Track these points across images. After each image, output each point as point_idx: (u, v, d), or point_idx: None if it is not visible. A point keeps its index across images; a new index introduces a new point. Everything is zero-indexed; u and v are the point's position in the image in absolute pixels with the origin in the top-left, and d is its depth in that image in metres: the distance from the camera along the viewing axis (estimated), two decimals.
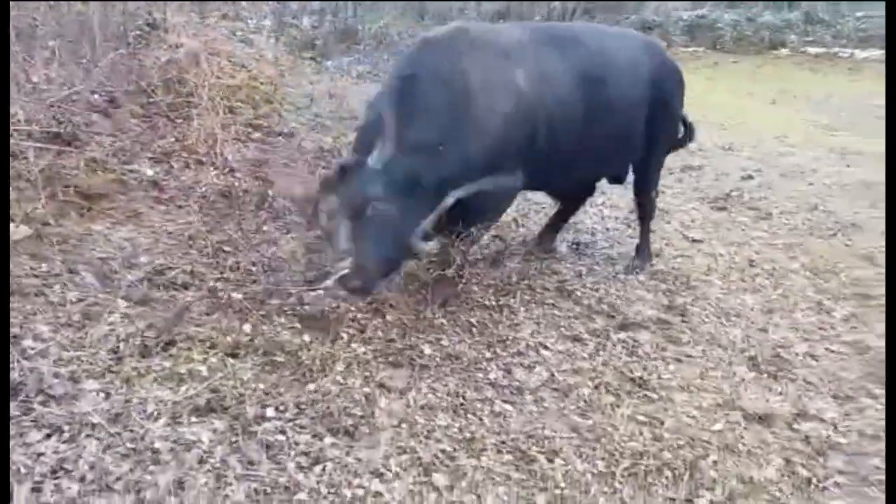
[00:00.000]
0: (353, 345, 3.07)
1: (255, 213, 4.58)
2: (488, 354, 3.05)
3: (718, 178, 6.10)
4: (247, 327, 3.03)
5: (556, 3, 17.17)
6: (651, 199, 4.24)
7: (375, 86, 10.69)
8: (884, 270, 4.17)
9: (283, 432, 2.40)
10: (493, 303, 3.55)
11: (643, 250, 4.25)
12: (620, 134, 3.69)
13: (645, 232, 4.28)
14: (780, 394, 2.88)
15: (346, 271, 2.99)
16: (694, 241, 4.64)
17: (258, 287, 3.50)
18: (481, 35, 3.39)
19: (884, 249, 4.50)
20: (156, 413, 2.36)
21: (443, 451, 2.40)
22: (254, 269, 3.68)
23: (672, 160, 5.51)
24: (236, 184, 4.89)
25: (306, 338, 3.03)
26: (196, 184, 4.71)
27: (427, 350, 3.06)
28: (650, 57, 3.83)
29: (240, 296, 3.35)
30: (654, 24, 16.18)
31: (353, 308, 3.33)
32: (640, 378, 2.98)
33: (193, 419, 2.36)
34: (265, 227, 4.35)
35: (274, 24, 13.63)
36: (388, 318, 3.31)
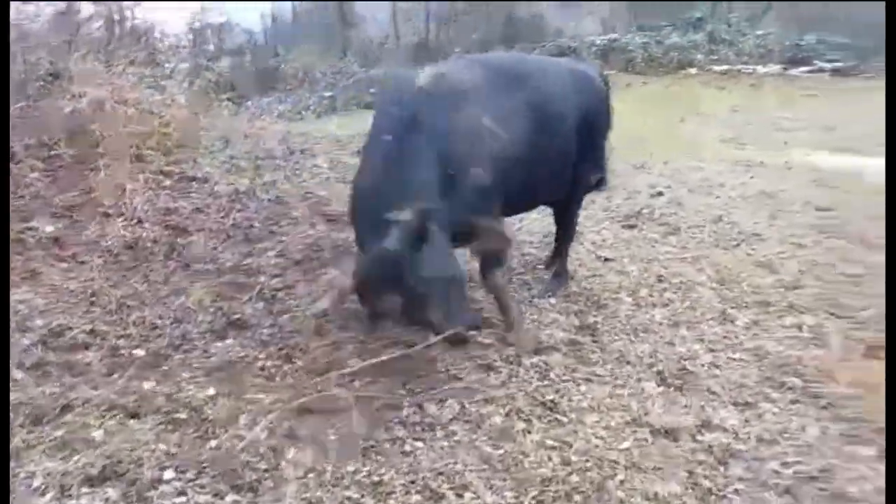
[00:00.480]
0: (262, 395, 3.00)
1: (163, 262, 4.48)
2: (402, 392, 3.03)
3: (630, 197, 6.28)
4: (148, 385, 2.93)
5: (475, 35, 17.58)
6: (574, 223, 4.39)
7: (298, 124, 10.75)
8: (782, 277, 4.38)
9: (182, 493, 2.32)
10: (409, 339, 3.54)
11: (561, 273, 4.33)
12: (563, 164, 3.87)
13: (563, 254, 4.37)
14: (686, 406, 2.95)
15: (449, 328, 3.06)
16: (605, 259, 4.75)
17: (163, 341, 3.41)
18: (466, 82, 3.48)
19: (781, 257, 4.73)
20: (43, 487, 2.24)
21: (349, 498, 2.36)
22: (159, 322, 3.58)
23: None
24: (144, 234, 4.78)
25: (211, 391, 2.96)
26: (101, 237, 4.60)
27: (339, 393, 3.02)
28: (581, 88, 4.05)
29: (143, 352, 3.25)
30: (569, 49, 16.69)
31: (261, 356, 3.27)
32: (552, 402, 3.01)
33: (84, 490, 2.27)
34: (173, 278, 4.26)
35: (191, 66, 13.50)
36: (299, 363, 3.26)
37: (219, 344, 3.43)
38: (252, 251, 4.80)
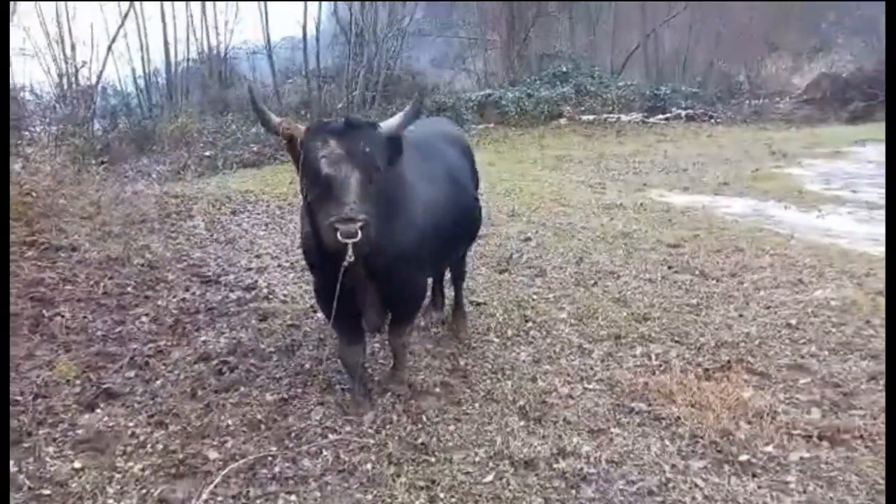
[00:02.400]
0: (131, 462, 2.99)
1: (27, 336, 4.33)
2: (274, 449, 3.10)
3: (502, 244, 6.65)
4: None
5: (356, 92, 17.96)
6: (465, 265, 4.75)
7: (176, 185, 10.56)
8: (634, 311, 4.79)
9: None
10: (284, 395, 3.62)
11: (460, 314, 4.59)
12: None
13: (460, 290, 4.65)
14: (544, 437, 3.19)
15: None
16: (477, 304, 5.02)
17: (26, 417, 3.31)
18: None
19: (635, 292, 5.18)
20: None
21: None
22: (21, 398, 3.47)
23: None
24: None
25: (77, 464, 2.91)
26: None
27: (212, 455, 3.06)
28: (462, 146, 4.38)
29: None
30: (446, 105, 17.39)
31: (130, 423, 3.25)
32: (423, 444, 3.17)
33: None
34: (38, 351, 4.13)
35: (59, 130, 12.98)
36: (171, 427, 3.26)
37: (87, 416, 3.36)
38: (125, 318, 4.72)
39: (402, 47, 19.69)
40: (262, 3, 18.81)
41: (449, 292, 4.80)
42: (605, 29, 23.29)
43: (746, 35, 21.35)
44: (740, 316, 4.65)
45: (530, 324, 4.61)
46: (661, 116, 18.39)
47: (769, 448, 3.04)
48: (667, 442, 3.15)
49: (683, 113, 18.61)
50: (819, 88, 20.09)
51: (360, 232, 2.69)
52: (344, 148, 2.76)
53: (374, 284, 3.22)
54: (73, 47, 15.87)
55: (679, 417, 3.32)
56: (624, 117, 18.03)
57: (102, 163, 11.85)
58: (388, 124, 3.02)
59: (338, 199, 2.71)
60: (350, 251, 2.73)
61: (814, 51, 24.86)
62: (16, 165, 6.94)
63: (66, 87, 15.68)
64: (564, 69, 19.45)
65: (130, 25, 17.31)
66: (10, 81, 14.50)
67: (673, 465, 2.96)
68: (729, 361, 3.94)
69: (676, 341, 4.28)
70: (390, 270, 3.18)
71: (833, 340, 4.17)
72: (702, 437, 3.15)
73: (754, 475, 2.88)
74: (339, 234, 2.68)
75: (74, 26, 16.03)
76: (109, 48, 16.22)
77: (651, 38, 22.59)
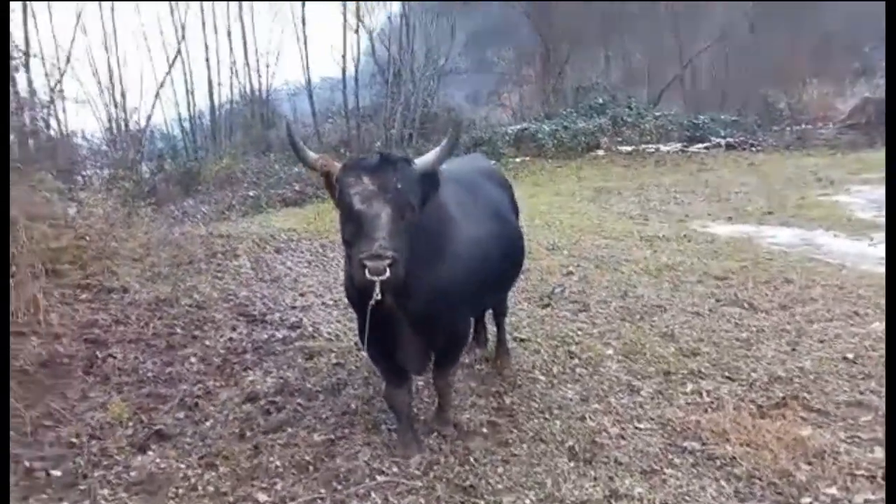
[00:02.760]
0: (186, 501, 3.02)
1: (82, 378, 4.44)
2: (323, 492, 3.10)
3: (543, 278, 6.61)
4: None
5: (394, 129, 18.27)
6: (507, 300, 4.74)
7: (221, 225, 10.81)
8: (682, 346, 4.70)
9: None
10: (331, 436, 3.62)
11: (503, 351, 4.59)
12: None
13: (503, 326, 4.65)
14: (595, 479, 3.13)
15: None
16: (521, 340, 4.98)
17: (81, 459, 3.37)
18: None
19: (682, 326, 5.08)
20: None
21: None
22: (76, 440, 3.54)
23: None
24: (61, 350, 4.74)
25: None
26: (14, 357, 4.50)
27: (262, 497, 3.07)
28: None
29: (59, 472, 3.22)
30: (483, 139, 17.53)
31: (182, 465, 3.29)
32: (471, 486, 3.13)
33: None
34: (92, 393, 4.22)
35: (110, 174, 13.46)
36: (221, 469, 3.29)
37: (140, 457, 3.41)
38: (173, 359, 4.81)
39: (438, 86, 19.99)
40: (303, 45, 19.33)
41: (491, 327, 4.78)
42: (640, 62, 23.31)
43: (787, 63, 21.09)
44: (793, 350, 4.52)
45: (576, 360, 4.55)
46: (700, 146, 18.21)
47: (832, 490, 2.93)
48: (723, 483, 3.06)
49: (723, 141, 18.39)
50: (863, 113, 19.65)
51: (388, 269, 2.65)
52: (376, 184, 2.75)
53: (415, 327, 3.19)
54: (123, 94, 16.57)
55: (734, 457, 3.23)
56: (663, 147, 17.90)
57: (150, 204, 12.23)
58: (424, 160, 3.01)
59: (368, 235, 2.69)
60: (377, 289, 2.70)
61: (856, 75, 24.43)
62: (71, 210, 7.18)
63: (115, 131, 16.30)
64: (601, 101, 19.46)
65: (176, 71, 17.98)
66: (66, 127, 15.23)
67: None
68: (784, 398, 3.83)
69: (728, 377, 4.18)
70: (431, 312, 3.15)
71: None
72: (760, 479, 3.05)
73: None
74: (367, 272, 2.66)
75: (125, 73, 16.76)
76: (157, 94, 16.86)
77: (688, 69, 22.50)
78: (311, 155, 3.05)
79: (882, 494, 2.88)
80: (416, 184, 2.89)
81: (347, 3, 19.08)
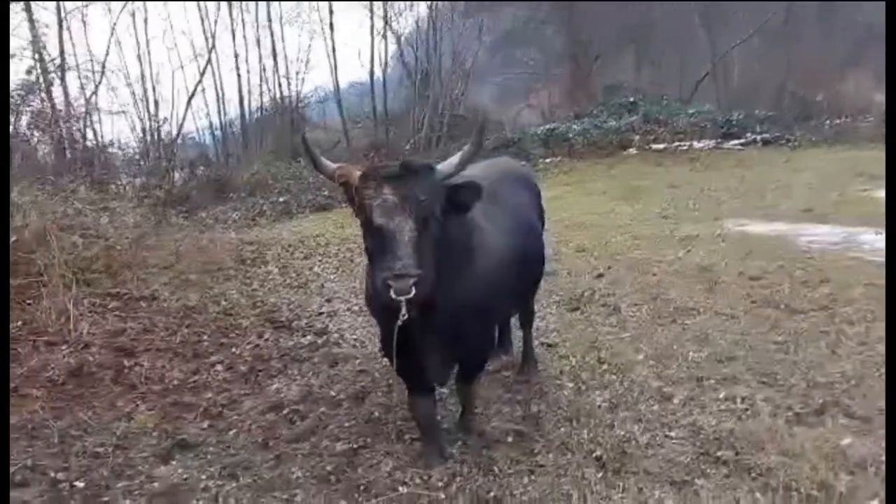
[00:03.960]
0: None
1: (110, 387, 4.46)
2: (343, 503, 3.04)
3: (573, 280, 6.49)
4: None
5: (422, 133, 18.26)
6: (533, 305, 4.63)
7: (251, 232, 10.90)
8: (715, 350, 4.54)
9: None
10: (353, 445, 3.57)
11: (529, 357, 4.50)
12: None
13: (529, 332, 4.56)
14: (624, 490, 3.02)
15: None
16: (549, 345, 4.88)
17: (105, 470, 3.37)
18: None
19: (716, 329, 4.92)
20: None
21: None
22: (101, 450, 3.55)
23: None
24: (90, 359, 4.77)
25: None
26: (44, 367, 4.56)
27: None
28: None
29: (83, 484, 3.22)
30: (512, 141, 17.41)
31: (203, 476, 3.26)
32: (495, 498, 3.05)
33: None
34: (119, 402, 4.24)
35: (142, 182, 13.66)
36: (243, 480, 3.26)
37: (162, 468, 3.40)
38: (200, 367, 4.82)
39: (467, 87, 19.95)
40: (332, 51, 19.43)
41: (518, 332, 4.68)
42: (671, 60, 22.93)
43: (824, 56, 20.53)
44: (833, 353, 4.34)
45: (605, 366, 4.44)
46: (735, 142, 17.81)
47: (874, 503, 2.77)
48: (758, 495, 2.92)
49: (759, 137, 17.96)
50: None
51: (413, 288, 2.52)
52: (398, 195, 2.62)
53: (440, 338, 3.06)
54: (156, 104, 16.85)
55: (770, 468, 3.08)
56: (696, 144, 17.54)
57: (182, 212, 12.38)
58: (447, 165, 2.88)
59: (391, 251, 2.55)
60: (404, 309, 2.58)
61: None
62: (102, 219, 7.28)
63: (149, 141, 16.58)
64: (631, 99, 19.19)
65: (208, 80, 18.24)
66: (101, 138, 15.53)
67: None
68: (823, 404, 3.67)
69: (763, 383, 4.02)
70: (457, 324, 3.03)
71: None
72: (797, 490, 2.91)
73: None
74: (392, 292, 2.53)
75: (157, 84, 17.06)
76: (189, 102, 17.11)
77: (720, 65, 22.07)
78: (329, 165, 2.96)
79: None
80: (441, 191, 2.77)
81: (374, 6, 19.15)
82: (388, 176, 2.69)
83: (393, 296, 2.54)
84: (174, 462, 3.48)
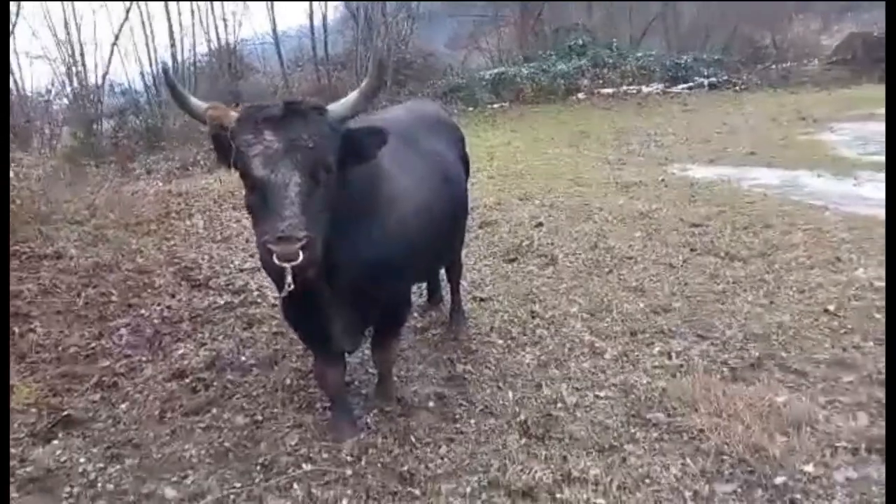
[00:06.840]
0: (82, 502, 2.66)
1: None
2: (238, 485, 2.74)
3: (512, 230, 6.22)
4: None
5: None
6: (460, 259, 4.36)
7: (183, 181, 10.31)
8: (651, 301, 4.34)
9: None
10: (258, 417, 3.26)
11: (458, 313, 4.24)
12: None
13: (457, 288, 4.28)
14: (546, 459, 2.78)
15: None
16: (481, 300, 4.61)
17: None
18: None
19: (653, 279, 4.72)
20: None
21: None
22: None
23: (471, 218, 5.58)
24: None
25: None
26: None
27: (169, 493, 2.71)
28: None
29: None
30: (460, 85, 16.89)
31: (82, 460, 2.91)
32: (408, 472, 2.78)
33: None
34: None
35: (54, 131, 12.76)
36: (128, 462, 2.92)
37: (39, 449, 3.04)
38: (103, 331, 4.41)
39: (413, 30, 19.19)
40: None
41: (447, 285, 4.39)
42: (621, 3, 22.43)
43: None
44: (771, 303, 4.18)
45: (538, 320, 4.19)
46: (683, 86, 17.67)
47: (809, 467, 2.59)
48: (688, 461, 2.72)
49: (706, 81, 17.86)
50: (850, 49, 19.12)
51: (301, 253, 2.14)
52: (282, 142, 2.22)
53: (346, 300, 2.72)
54: (81, 47, 15.69)
55: (703, 430, 2.89)
56: (644, 89, 17.35)
57: (110, 162, 11.62)
58: (340, 105, 2.46)
59: (274, 210, 2.17)
60: (289, 278, 2.19)
61: (842, 10, 23.74)
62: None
63: (71, 87, 15.49)
64: (581, 42, 18.76)
65: (136, 21, 17.07)
66: (21, 84, 14.44)
67: (695, 492, 2.53)
68: (759, 358, 3.50)
69: (699, 335, 3.84)
70: (364, 284, 2.69)
71: (879, 329, 3.68)
72: (729, 455, 2.72)
73: (793, 502, 2.44)
74: (275, 258, 2.15)
75: (82, 24, 15.85)
76: (113, 45, 16.01)
77: (670, 7, 21.72)
78: (198, 104, 2.50)
79: (865, 470, 2.56)
80: (335, 138, 2.36)
81: None
82: (272, 118, 2.27)
83: (276, 262, 2.16)
84: (56, 442, 3.12)
